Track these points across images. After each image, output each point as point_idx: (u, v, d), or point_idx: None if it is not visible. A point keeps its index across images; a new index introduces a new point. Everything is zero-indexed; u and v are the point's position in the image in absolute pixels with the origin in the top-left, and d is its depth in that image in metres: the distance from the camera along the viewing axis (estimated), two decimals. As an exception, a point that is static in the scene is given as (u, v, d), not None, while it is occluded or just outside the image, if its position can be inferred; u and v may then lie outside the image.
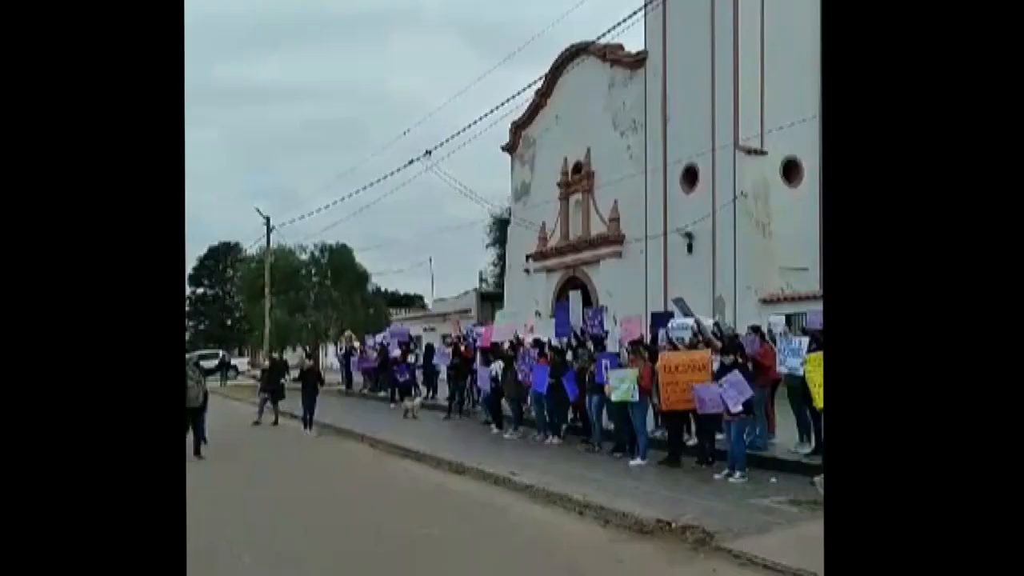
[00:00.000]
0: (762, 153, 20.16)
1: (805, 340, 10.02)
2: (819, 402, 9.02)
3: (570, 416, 13.58)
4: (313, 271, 35.54)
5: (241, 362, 42.46)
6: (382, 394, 22.15)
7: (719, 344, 10.56)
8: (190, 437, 12.02)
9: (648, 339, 12.07)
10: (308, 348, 24.53)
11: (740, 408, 9.16)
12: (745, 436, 9.56)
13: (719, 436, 10.59)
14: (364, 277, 36.30)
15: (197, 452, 12.23)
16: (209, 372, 13.11)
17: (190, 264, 57.72)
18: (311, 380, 16.37)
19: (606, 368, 11.01)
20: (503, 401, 14.76)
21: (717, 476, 9.32)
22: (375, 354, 23.42)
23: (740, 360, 9.58)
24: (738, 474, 9.11)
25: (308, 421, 15.99)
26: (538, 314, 25.51)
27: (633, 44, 23.81)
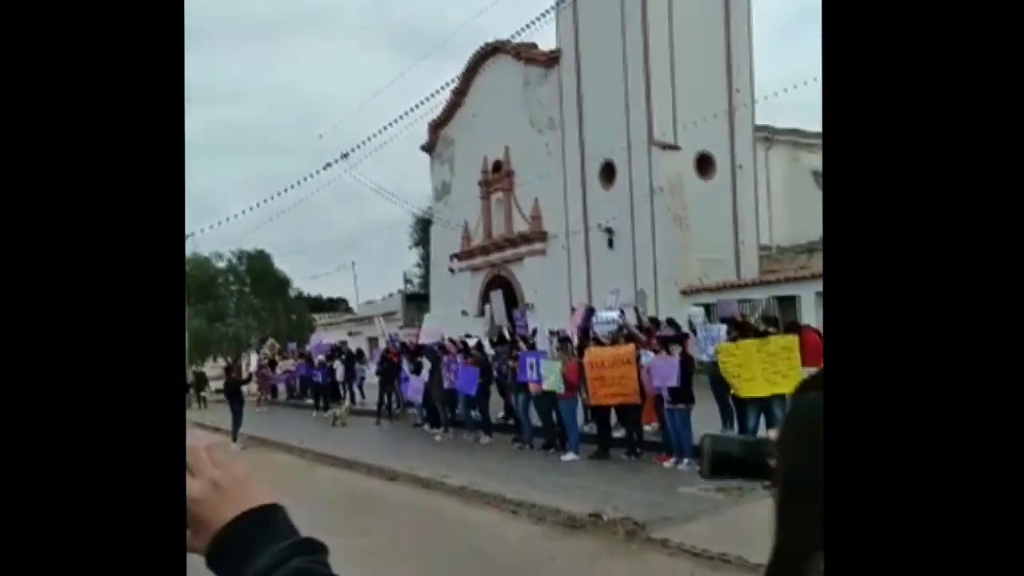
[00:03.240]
0: (676, 148, 20.69)
1: (723, 328, 10.38)
2: (739, 391, 9.33)
3: (500, 415, 13.68)
4: (231, 279, 34.63)
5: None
6: (308, 402, 21.79)
7: (643, 337, 10.81)
8: None
9: (575, 334, 12.24)
10: (230, 359, 23.90)
11: (669, 387, 9.34)
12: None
13: (647, 427, 10.86)
14: (285, 283, 35.61)
15: None
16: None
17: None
18: (235, 391, 15.96)
19: (531, 367, 11.13)
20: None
21: (666, 465, 9.50)
22: (294, 363, 23.00)
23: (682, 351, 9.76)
24: (685, 461, 9.30)
25: (235, 434, 15.59)
26: (464, 313, 25.55)
27: (547, 43, 24.08)
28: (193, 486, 0.76)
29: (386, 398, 17.15)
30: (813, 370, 0.97)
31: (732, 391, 9.50)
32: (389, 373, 16.89)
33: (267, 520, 0.76)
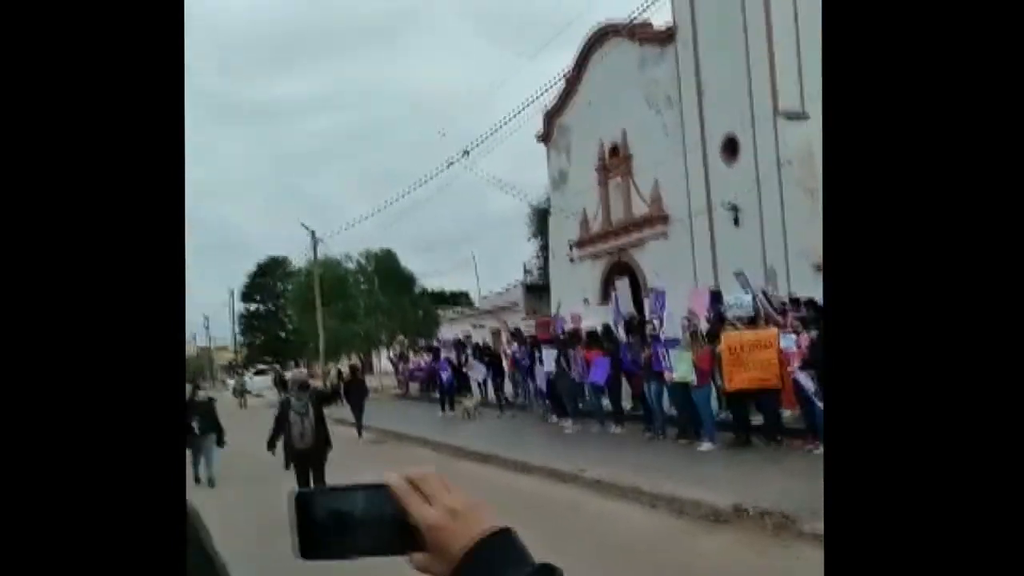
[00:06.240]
0: (804, 117, 19.60)
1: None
2: None
3: (629, 405, 13.41)
4: (361, 279, 35.85)
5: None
6: (436, 395, 22.20)
7: (780, 320, 10.28)
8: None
9: (706, 318, 11.81)
10: (361, 357, 24.74)
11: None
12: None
13: (786, 413, 10.32)
14: (410, 280, 36.53)
15: None
16: (324, 397, 9.59)
17: (240, 282, 58.81)
18: (357, 389, 17.00)
19: (663, 356, 10.83)
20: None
21: (811, 450, 8.99)
22: (426, 358, 23.51)
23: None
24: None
25: (359, 428, 16.68)
26: (586, 302, 25.32)
27: (661, 19, 23.41)
28: (430, 513, 0.80)
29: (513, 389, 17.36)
30: None
31: None
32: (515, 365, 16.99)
33: (504, 545, 0.81)
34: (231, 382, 42.76)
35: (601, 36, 25.46)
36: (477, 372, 19.09)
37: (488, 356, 18.92)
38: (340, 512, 0.80)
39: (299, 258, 35.90)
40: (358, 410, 16.74)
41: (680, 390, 10.84)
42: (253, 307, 59.63)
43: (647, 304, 13.64)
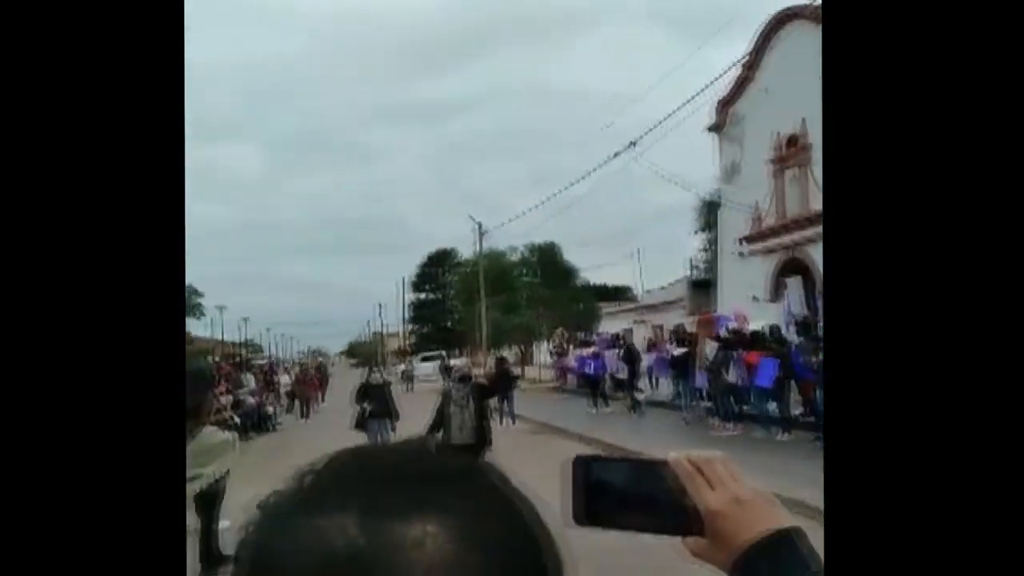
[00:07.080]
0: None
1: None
2: None
3: (799, 411, 12.49)
4: (524, 271, 36.17)
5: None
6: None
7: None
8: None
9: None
10: (522, 348, 24.97)
11: None
12: None
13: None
14: (572, 273, 36.44)
15: None
16: (485, 391, 9.44)
17: (412, 272, 61.38)
18: (504, 380, 17.03)
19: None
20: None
21: None
22: (584, 352, 23.33)
23: None
24: None
25: (512, 415, 17.14)
26: (755, 299, 24.06)
27: None
28: (714, 498, 0.77)
29: (676, 388, 16.87)
30: None
31: None
32: (681, 363, 16.40)
33: (795, 545, 0.75)
34: (400, 368, 44.74)
35: (781, 20, 24.08)
36: (622, 369, 18.77)
37: (631, 354, 18.51)
38: (616, 483, 0.78)
39: (466, 250, 36.76)
40: (507, 400, 17.02)
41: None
42: (422, 296, 62.10)
43: (820, 304, 12.61)
